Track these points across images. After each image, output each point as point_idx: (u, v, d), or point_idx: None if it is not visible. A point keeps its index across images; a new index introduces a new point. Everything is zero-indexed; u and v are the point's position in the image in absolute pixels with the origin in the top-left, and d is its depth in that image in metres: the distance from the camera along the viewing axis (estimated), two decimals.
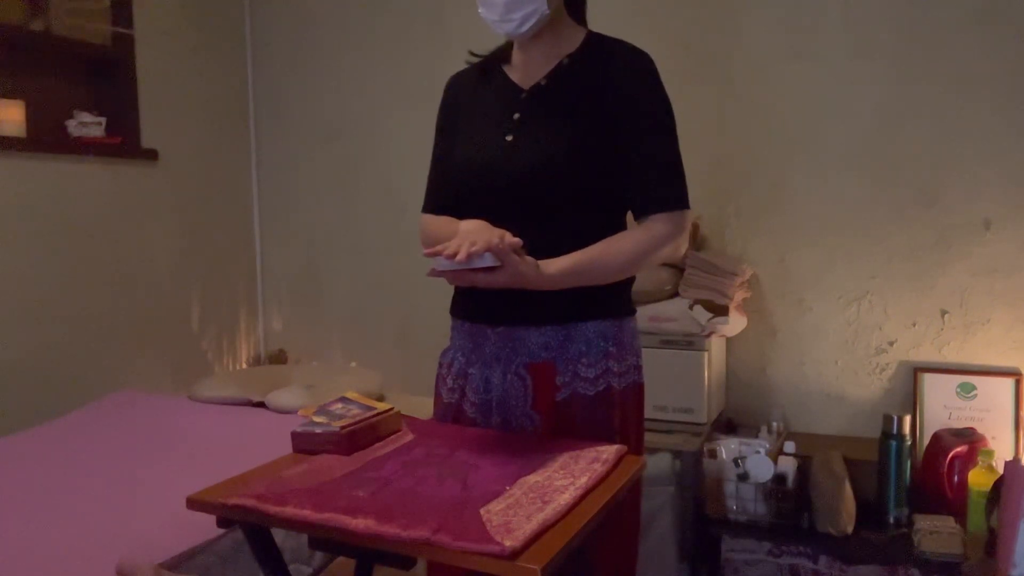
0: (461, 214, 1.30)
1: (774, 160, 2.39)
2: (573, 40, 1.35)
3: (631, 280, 1.38)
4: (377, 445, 1.25)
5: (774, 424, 2.27)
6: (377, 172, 2.98)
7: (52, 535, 1.40)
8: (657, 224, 1.28)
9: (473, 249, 1.07)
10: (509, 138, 1.31)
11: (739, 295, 2.26)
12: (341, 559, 1.62)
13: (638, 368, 1.37)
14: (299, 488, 1.05)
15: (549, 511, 0.95)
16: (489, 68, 1.42)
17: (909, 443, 1.97)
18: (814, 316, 2.38)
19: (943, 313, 2.24)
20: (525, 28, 1.27)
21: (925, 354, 2.26)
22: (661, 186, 1.30)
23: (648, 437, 1.47)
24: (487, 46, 1.45)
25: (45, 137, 2.45)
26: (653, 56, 1.32)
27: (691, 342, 2.15)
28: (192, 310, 2.95)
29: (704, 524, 2.06)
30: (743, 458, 2.00)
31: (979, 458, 1.92)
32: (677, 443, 2.09)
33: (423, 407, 1.75)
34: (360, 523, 0.93)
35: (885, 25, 2.23)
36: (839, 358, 2.36)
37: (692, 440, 2.10)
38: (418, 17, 2.85)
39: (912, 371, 2.22)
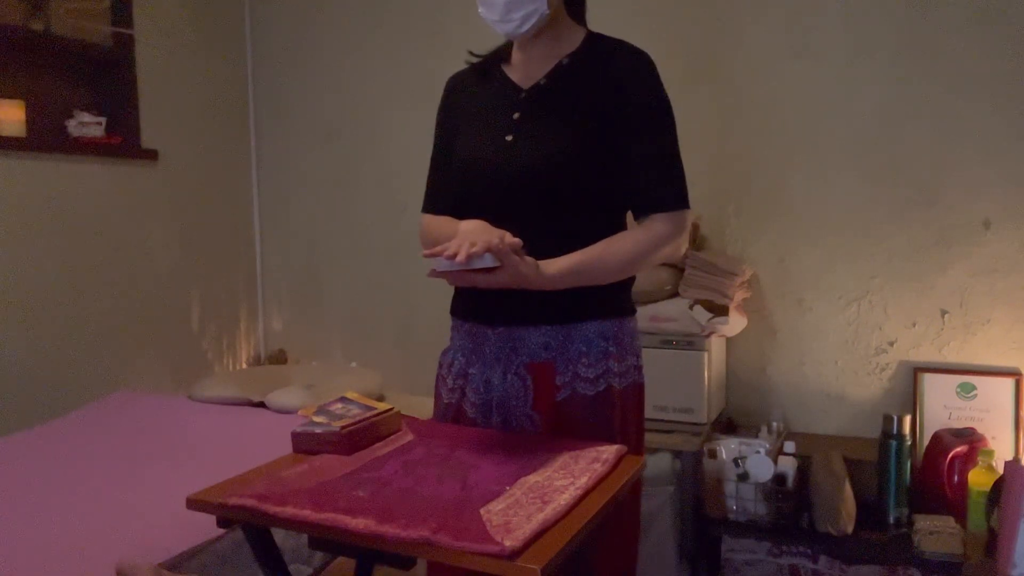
0: (461, 214, 1.30)
1: (774, 160, 2.39)
2: (573, 40, 1.35)
3: (631, 280, 1.38)
4: (377, 445, 1.25)
5: (774, 424, 2.27)
6: (377, 172, 2.98)
7: (52, 535, 1.40)
8: (657, 224, 1.29)
9: (473, 250, 1.07)
10: (509, 138, 1.31)
11: (739, 295, 2.26)
12: (341, 559, 1.62)
13: (638, 368, 1.37)
14: (299, 488, 1.05)
15: (549, 511, 0.95)
16: (489, 68, 1.42)
17: (909, 443, 1.97)
18: (814, 316, 2.38)
19: (943, 313, 2.24)
20: (525, 28, 1.27)
21: (925, 354, 2.26)
22: (661, 186, 1.30)
23: (648, 437, 1.47)
24: (487, 46, 1.45)
25: (45, 137, 2.45)
26: (653, 56, 1.32)
27: (691, 342, 2.15)
28: (192, 310, 2.95)
29: (704, 524, 2.06)
30: (743, 458, 2.00)
31: (979, 458, 1.92)
32: (677, 443, 2.10)
33: (423, 407, 1.75)
34: (360, 523, 0.93)
35: (885, 25, 2.23)
36: (839, 358, 2.36)
37: (692, 440, 2.10)
38: (418, 17, 2.85)
39: (912, 371, 2.22)
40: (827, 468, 1.96)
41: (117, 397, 2.31)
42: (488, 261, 1.10)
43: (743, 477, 2.00)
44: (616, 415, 1.31)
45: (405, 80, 2.89)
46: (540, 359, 1.30)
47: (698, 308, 2.15)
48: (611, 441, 1.23)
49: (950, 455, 1.98)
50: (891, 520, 1.97)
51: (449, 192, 1.41)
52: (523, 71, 1.36)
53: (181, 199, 2.89)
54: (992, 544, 1.81)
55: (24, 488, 1.61)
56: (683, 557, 2.07)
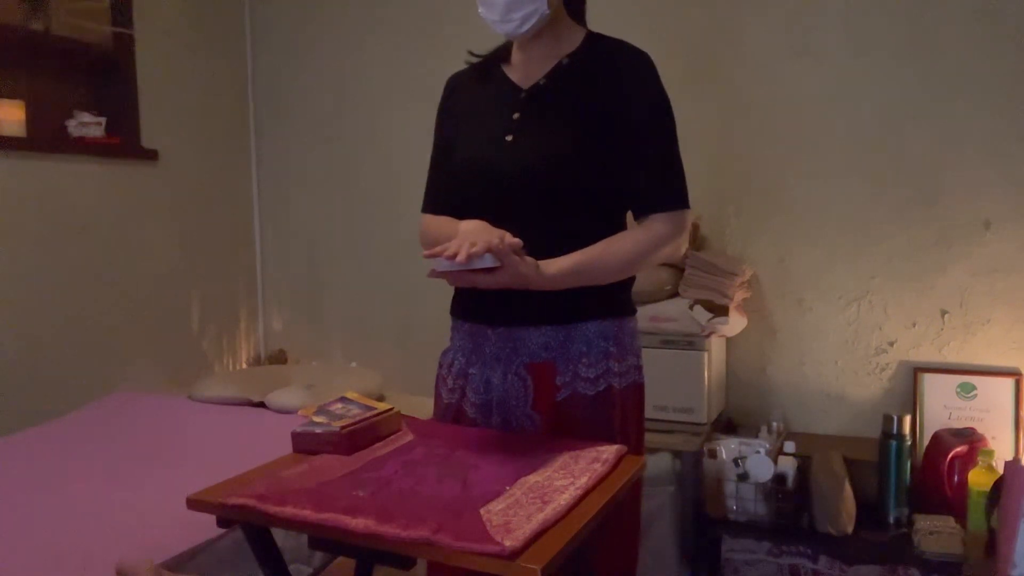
0: (461, 214, 1.30)
1: (774, 160, 2.39)
2: (573, 40, 1.35)
3: (631, 280, 1.38)
4: (377, 445, 1.25)
5: (774, 424, 2.27)
6: (377, 172, 2.98)
7: (52, 535, 1.40)
8: (657, 224, 1.28)
9: (473, 250, 1.07)
10: (509, 138, 1.31)
11: (739, 295, 2.26)
12: (341, 559, 1.62)
13: (638, 368, 1.37)
14: (299, 488, 1.05)
15: (549, 511, 0.95)
16: (489, 68, 1.42)
17: (909, 443, 1.97)
18: (814, 316, 2.38)
19: (943, 313, 2.24)
20: (525, 28, 1.27)
21: (925, 354, 2.26)
22: (661, 186, 1.30)
23: (648, 437, 1.47)
24: (487, 46, 1.45)
25: (45, 137, 2.45)
26: (653, 56, 1.32)
27: (691, 342, 2.15)
28: (192, 310, 2.95)
29: (704, 524, 2.06)
30: (743, 458, 2.00)
31: (979, 458, 1.92)
32: (677, 443, 2.09)
33: (423, 407, 1.75)
34: (360, 523, 0.93)
35: (885, 25, 2.23)
36: (839, 358, 2.36)
37: (692, 440, 2.10)
38: (417, 17, 2.85)
39: (912, 371, 2.22)
40: (827, 468, 1.96)
41: (117, 397, 2.31)
42: (488, 261, 1.10)
43: (743, 477, 2.00)
44: (616, 415, 1.31)
45: (405, 80, 2.89)
46: (540, 359, 1.30)
47: (698, 308, 2.15)
48: (611, 441, 1.23)
49: (950, 455, 1.98)
50: (891, 520, 1.97)
51: (449, 192, 1.40)
52: (523, 71, 1.36)
53: (181, 199, 2.89)
54: (992, 544, 1.81)
55: (24, 488, 1.61)
56: (683, 557, 2.07)
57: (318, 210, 3.11)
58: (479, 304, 1.33)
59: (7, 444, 1.90)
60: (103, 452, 1.84)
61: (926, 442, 2.10)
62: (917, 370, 2.21)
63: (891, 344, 2.29)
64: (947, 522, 1.89)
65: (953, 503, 1.96)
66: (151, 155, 2.75)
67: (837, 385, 2.36)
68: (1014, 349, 2.16)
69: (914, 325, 2.27)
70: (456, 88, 1.46)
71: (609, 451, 1.17)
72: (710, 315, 2.14)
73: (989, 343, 2.19)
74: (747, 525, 2.01)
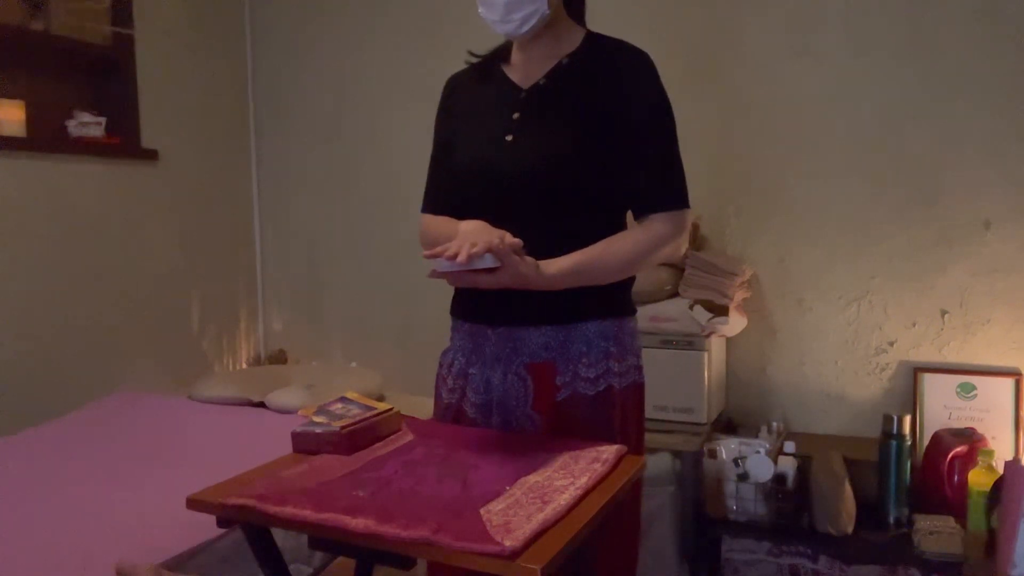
0: (461, 214, 1.30)
1: (774, 160, 2.39)
2: (572, 40, 1.35)
3: (631, 280, 1.38)
4: (377, 445, 1.25)
5: (774, 424, 2.27)
6: (377, 172, 2.98)
7: (52, 535, 1.40)
8: (657, 224, 1.29)
9: (473, 251, 1.07)
10: (509, 138, 1.31)
11: (739, 295, 2.26)
12: (341, 559, 1.62)
13: (638, 368, 1.37)
14: (299, 488, 1.05)
15: (549, 511, 0.95)
16: (488, 68, 1.42)
17: (909, 443, 1.97)
18: (814, 316, 2.38)
19: (943, 313, 2.24)
20: (525, 28, 1.27)
21: (925, 354, 2.26)
22: (661, 185, 1.30)
23: (648, 437, 1.47)
24: (487, 46, 1.45)
25: (45, 137, 2.45)
26: (653, 56, 1.32)
27: (691, 342, 2.15)
28: (192, 310, 2.95)
29: (704, 524, 2.06)
30: (743, 458, 2.00)
31: (979, 458, 1.92)
32: (677, 443, 2.09)
33: (423, 407, 1.75)
34: (360, 523, 0.93)
35: (885, 25, 2.23)
36: (839, 358, 2.36)
37: (692, 440, 2.10)
38: (417, 17, 2.85)
39: (912, 371, 2.22)
40: (827, 468, 1.96)
41: (117, 397, 2.31)
42: (489, 261, 1.10)
43: (743, 477, 2.00)
44: (616, 415, 1.31)
45: (405, 80, 2.89)
46: (540, 359, 1.30)
47: (698, 308, 2.15)
48: (611, 441, 1.23)
49: (950, 455, 1.98)
50: (891, 520, 1.96)
51: (449, 192, 1.40)
52: (523, 71, 1.36)
53: (181, 199, 2.88)
54: (992, 544, 1.81)
55: (24, 488, 1.61)
56: (683, 557, 2.07)
57: (318, 210, 3.11)
58: (479, 304, 1.33)
59: (7, 444, 1.90)
60: (103, 452, 1.84)
61: (926, 442, 2.10)
62: (917, 370, 2.21)
63: (891, 344, 2.29)
64: (947, 522, 1.89)
65: (953, 503, 1.96)
66: (151, 155, 2.75)
67: (837, 385, 2.36)
68: (1014, 349, 2.16)
69: (914, 325, 2.27)
70: (456, 88, 1.46)
71: (609, 451, 1.17)
72: (710, 315, 2.14)
73: (989, 343, 2.19)
74: (747, 525, 2.01)
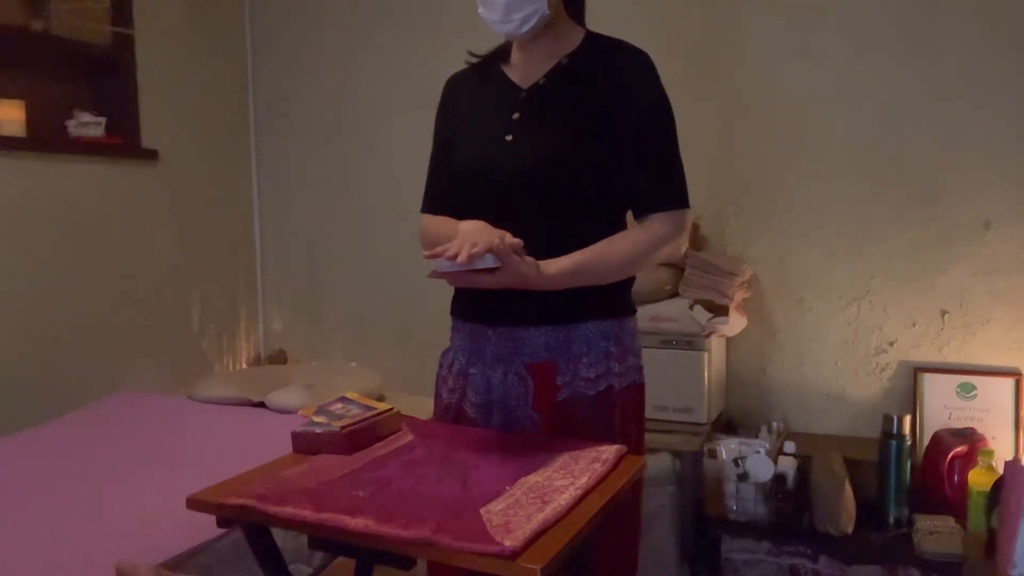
0: (460, 214, 1.30)
1: (774, 160, 2.39)
2: (572, 40, 1.35)
3: (631, 280, 1.38)
4: (377, 445, 1.25)
5: (774, 424, 2.27)
6: (377, 172, 2.98)
7: (52, 535, 1.40)
8: (657, 223, 1.29)
9: (474, 251, 1.07)
10: (509, 138, 1.31)
11: (739, 295, 2.26)
12: (341, 559, 1.62)
13: (639, 368, 1.37)
14: (299, 488, 1.05)
15: (549, 511, 0.95)
16: (488, 68, 1.42)
17: (909, 443, 1.97)
18: (814, 316, 2.38)
19: (943, 313, 2.24)
20: (526, 29, 1.27)
21: (925, 354, 2.26)
22: (661, 185, 1.30)
23: (648, 437, 1.47)
24: (487, 46, 1.45)
25: (45, 137, 2.45)
26: (653, 56, 1.32)
27: (691, 342, 2.15)
28: (192, 310, 2.95)
29: (704, 524, 2.06)
30: (743, 458, 2.00)
31: (979, 458, 1.92)
32: (677, 443, 2.09)
33: (423, 407, 1.74)
34: (360, 523, 0.93)
35: (885, 25, 2.23)
36: (839, 358, 2.36)
37: (692, 440, 2.10)
38: (418, 17, 2.85)
39: (912, 371, 2.22)
40: (827, 468, 1.96)
41: (117, 397, 2.31)
42: (489, 261, 1.10)
43: (743, 477, 2.00)
44: (616, 415, 1.31)
45: (405, 80, 2.89)
46: (541, 359, 1.30)
47: (698, 308, 2.15)
48: (611, 441, 1.23)
49: (950, 455, 1.98)
50: (891, 520, 1.96)
51: (449, 192, 1.40)
52: (523, 71, 1.36)
53: (181, 199, 2.88)
54: (992, 544, 1.81)
55: (24, 488, 1.61)
56: (683, 557, 2.07)
57: (318, 210, 3.11)
58: (479, 304, 1.33)
59: (7, 444, 1.89)
60: (103, 452, 1.84)
61: (926, 442, 2.10)
62: (917, 370, 2.21)
63: (891, 344, 2.29)
64: (947, 522, 1.89)
65: (953, 503, 1.96)
66: (151, 155, 2.75)
67: (837, 385, 2.36)
68: (1014, 349, 2.16)
69: (914, 325, 2.27)
70: (456, 88, 1.46)
71: (609, 451, 1.17)
72: (710, 315, 2.14)
73: (989, 343, 2.19)
74: (747, 525, 2.01)
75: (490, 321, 1.32)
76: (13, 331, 2.33)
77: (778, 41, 2.35)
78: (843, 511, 1.91)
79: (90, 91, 2.65)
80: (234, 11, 3.09)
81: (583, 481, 1.05)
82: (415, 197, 1.50)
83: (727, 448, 2.04)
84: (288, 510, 0.97)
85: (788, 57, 2.35)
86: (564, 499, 0.99)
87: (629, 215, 1.36)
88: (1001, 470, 1.81)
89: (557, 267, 1.21)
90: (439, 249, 1.10)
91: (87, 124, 2.53)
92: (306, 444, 1.23)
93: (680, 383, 2.16)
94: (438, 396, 1.44)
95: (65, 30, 2.50)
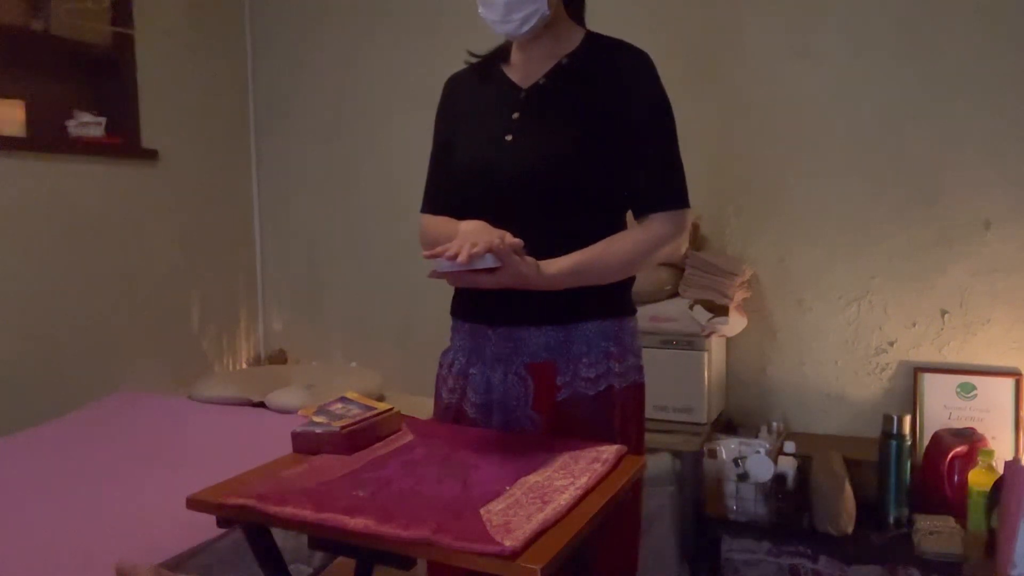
0: (460, 214, 1.30)
1: (774, 160, 2.39)
2: (572, 40, 1.35)
3: (632, 280, 1.38)
4: (377, 445, 1.25)
5: (774, 424, 2.27)
6: (377, 172, 2.98)
7: (52, 535, 1.40)
8: (657, 223, 1.29)
9: (474, 251, 1.07)
10: (508, 138, 1.31)
11: (739, 295, 2.26)
12: (341, 559, 1.62)
13: (639, 368, 1.37)
14: (299, 488, 1.05)
15: (549, 511, 0.95)
16: (488, 68, 1.42)
17: (909, 443, 1.97)
18: (814, 316, 2.38)
19: (943, 313, 2.24)
20: (526, 29, 1.27)
21: (925, 354, 2.26)
22: (661, 185, 1.30)
23: (648, 437, 1.47)
24: (487, 46, 1.45)
25: (45, 137, 2.45)
26: (653, 56, 1.32)
27: (691, 342, 2.15)
28: (192, 310, 2.95)
29: (704, 524, 2.06)
30: (743, 458, 2.00)
31: (979, 458, 1.92)
32: (677, 443, 2.09)
33: (423, 407, 1.74)
34: (360, 523, 0.93)
35: (885, 25, 2.23)
36: (839, 358, 2.36)
37: (692, 440, 2.10)
38: (418, 17, 2.85)
39: (912, 371, 2.22)
40: (827, 468, 1.96)
41: (117, 397, 2.31)
42: (489, 261, 1.10)
43: (743, 477, 2.00)
44: (616, 415, 1.31)
45: (405, 80, 2.89)
46: (541, 359, 1.30)
47: (698, 308, 2.15)
48: (611, 441, 1.23)
49: (950, 455, 1.98)
50: (891, 520, 1.96)
51: (449, 192, 1.40)
52: (523, 71, 1.36)
53: (181, 199, 2.88)
54: (992, 544, 1.81)
55: (24, 488, 1.61)
56: (683, 557, 2.07)
57: (318, 210, 3.11)
58: (479, 304, 1.33)
59: (7, 444, 1.89)
60: (103, 452, 1.84)
61: (926, 442, 2.10)
62: (917, 370, 2.21)
63: (891, 344, 2.29)
64: (947, 522, 1.89)
65: (953, 503, 1.96)
66: (151, 155, 2.75)
67: (837, 385, 2.36)
68: (1014, 349, 2.16)
69: (914, 325, 2.27)
70: (455, 88, 1.46)
71: (609, 451, 1.17)
72: (710, 315, 2.14)
73: (989, 343, 2.19)
74: (747, 525, 2.01)
75: (490, 321, 1.32)
76: (13, 331, 2.33)
77: (778, 41, 2.35)
78: (843, 511, 1.91)
79: (90, 91, 2.65)
80: (234, 11, 3.09)
81: (583, 481, 1.05)
82: (415, 197, 1.50)
83: (727, 448, 2.04)
84: (288, 510, 0.97)
85: (788, 57, 2.35)
86: (564, 499, 0.99)
87: (629, 215, 1.36)
88: (1001, 470, 1.81)
89: (557, 267, 1.21)
90: (439, 249, 1.10)
91: (87, 124, 2.53)
92: (306, 444, 1.23)
93: (680, 383, 2.16)
94: (438, 396, 1.44)
95: (65, 30, 2.50)
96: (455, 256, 1.07)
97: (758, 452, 2.00)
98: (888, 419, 1.97)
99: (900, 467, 1.96)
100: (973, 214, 2.18)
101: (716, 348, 2.24)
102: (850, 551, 1.91)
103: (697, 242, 2.38)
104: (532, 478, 1.07)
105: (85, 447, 1.88)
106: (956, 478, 1.97)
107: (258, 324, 3.23)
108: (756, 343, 2.43)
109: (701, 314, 2.13)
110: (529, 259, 1.16)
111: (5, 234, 2.32)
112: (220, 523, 1.07)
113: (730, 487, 2.02)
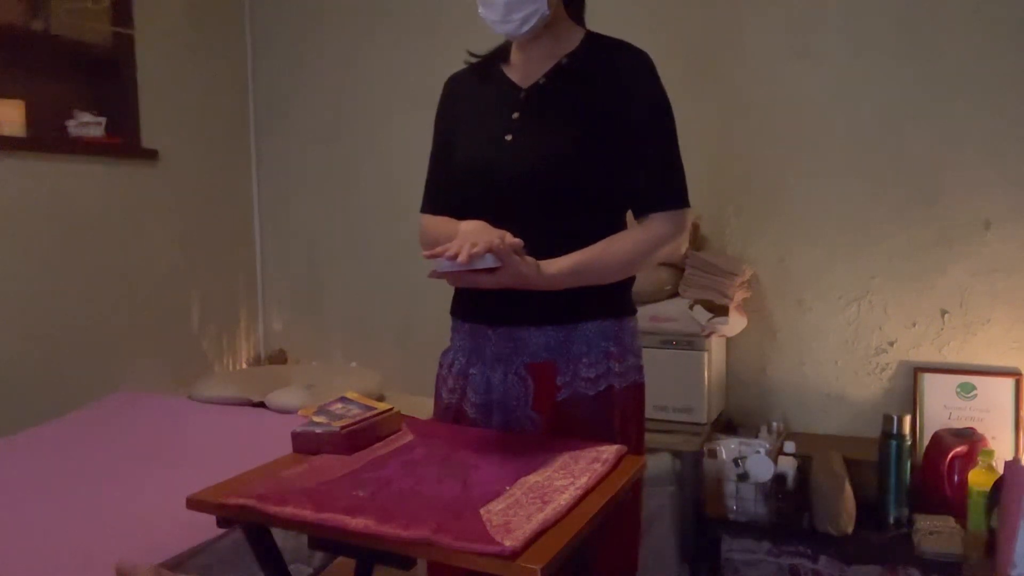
0: (460, 214, 1.30)
1: (774, 160, 2.39)
2: (572, 40, 1.35)
3: (631, 280, 1.38)
4: (377, 445, 1.25)
5: (774, 424, 2.27)
6: (377, 172, 2.98)
7: (52, 535, 1.40)
8: (657, 223, 1.29)
9: (474, 251, 1.07)
10: (508, 138, 1.31)
11: (739, 295, 2.26)
12: (341, 559, 1.62)
13: (639, 368, 1.37)
14: (299, 488, 1.05)
15: (549, 511, 0.95)
16: (488, 68, 1.42)
17: (909, 443, 1.97)
18: (814, 316, 2.38)
19: (943, 313, 2.24)
20: (526, 29, 1.27)
21: (925, 354, 2.26)
22: (661, 185, 1.30)
23: (648, 437, 1.47)
24: (487, 46, 1.45)
25: (45, 137, 2.45)
26: (653, 56, 1.32)
27: (691, 342, 2.15)
28: (192, 310, 2.95)
29: (704, 524, 2.06)
30: (743, 458, 2.00)
31: (979, 458, 1.92)
32: (677, 443, 2.09)
33: (423, 407, 1.74)
34: (360, 523, 0.93)
35: (885, 25, 2.23)
36: (839, 358, 2.36)
37: (692, 440, 2.10)
38: (417, 17, 2.85)
39: (912, 371, 2.22)
40: (827, 468, 1.96)
41: (117, 397, 2.31)
42: (489, 261, 1.10)
43: (743, 477, 2.00)
44: (616, 415, 1.31)
45: (405, 80, 2.89)
46: (541, 359, 1.30)
47: (698, 308, 2.15)
48: (611, 441, 1.23)
49: (950, 455, 1.98)
50: (891, 520, 1.96)
51: (448, 192, 1.40)
52: (522, 71, 1.36)
53: (181, 199, 2.88)
54: (992, 544, 1.81)
55: (24, 488, 1.61)
56: (683, 557, 2.07)
57: (318, 210, 3.11)
58: (479, 304, 1.33)
59: (7, 444, 1.89)
60: (103, 452, 1.84)
61: (926, 442, 2.10)
62: (917, 370, 2.21)
63: (891, 344, 2.29)
64: (947, 522, 1.89)
65: (953, 503, 1.96)
66: (151, 155, 2.75)
67: (837, 385, 2.36)
68: (1014, 349, 2.16)
69: (914, 325, 2.27)
70: (455, 88, 1.46)
71: (609, 451, 1.17)
72: (710, 315, 2.14)
73: (989, 343, 2.19)
74: (747, 525, 2.01)
75: (490, 321, 1.32)
76: (13, 331, 2.33)
77: (778, 41, 2.35)
78: (843, 511, 1.91)
79: (90, 91, 2.65)
80: (234, 11, 3.09)
81: (583, 481, 1.05)
82: (415, 197, 1.50)
83: (727, 448, 2.04)
84: (288, 510, 0.97)
85: (788, 57, 2.35)
86: (564, 499, 0.99)
87: (629, 215, 1.36)
88: (1001, 470, 1.81)
89: (557, 267, 1.21)
90: (439, 249, 1.10)
91: (87, 124, 2.53)
92: (306, 444, 1.23)
93: (680, 383, 2.16)
94: (438, 396, 1.44)
95: (65, 30, 2.50)
96: (455, 256, 1.07)
97: (758, 452, 2.00)
98: (888, 419, 1.98)
99: (900, 467, 1.96)
100: (973, 214, 2.18)
101: (716, 348, 2.24)
102: (850, 551, 1.91)
103: (697, 242, 2.38)
104: (532, 478, 1.07)
105: (85, 447, 1.88)
106: (956, 478, 1.97)
107: (258, 324, 3.23)
108: (756, 343, 2.43)
109: (701, 314, 2.13)
110: (529, 259, 1.16)
111: (5, 234, 2.32)
112: (220, 523, 1.07)
113: (730, 487, 2.02)
